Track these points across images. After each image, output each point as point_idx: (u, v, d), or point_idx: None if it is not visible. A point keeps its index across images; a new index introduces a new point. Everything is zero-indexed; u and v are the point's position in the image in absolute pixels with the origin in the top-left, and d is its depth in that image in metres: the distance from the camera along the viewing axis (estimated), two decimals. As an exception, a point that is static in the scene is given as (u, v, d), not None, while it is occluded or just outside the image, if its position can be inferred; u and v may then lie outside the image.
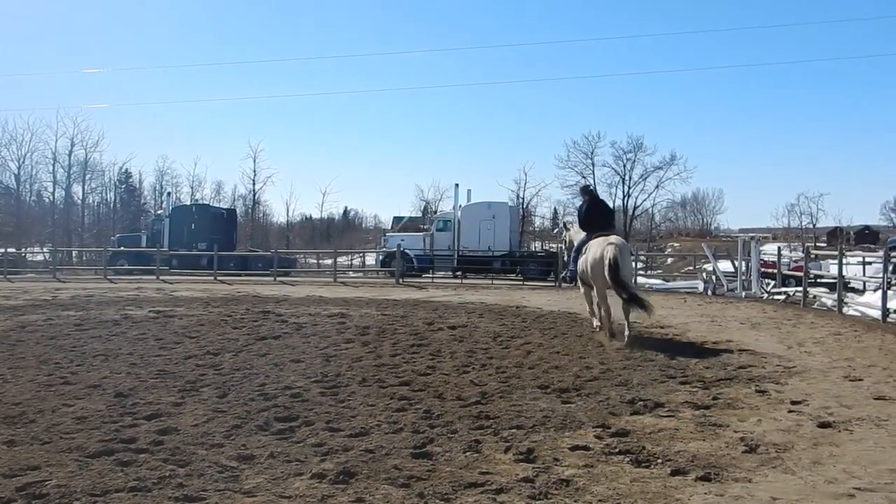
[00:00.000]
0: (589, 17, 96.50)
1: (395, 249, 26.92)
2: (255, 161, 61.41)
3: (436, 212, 51.71)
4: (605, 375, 6.94)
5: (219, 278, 26.09)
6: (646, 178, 59.43)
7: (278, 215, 72.75)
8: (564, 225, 12.93)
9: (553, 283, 24.58)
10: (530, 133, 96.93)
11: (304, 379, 6.69)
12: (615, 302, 9.21)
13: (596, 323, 10.12)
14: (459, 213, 30.28)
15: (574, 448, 4.53)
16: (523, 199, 58.75)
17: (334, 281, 25.45)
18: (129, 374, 6.94)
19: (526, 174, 59.54)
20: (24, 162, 58.17)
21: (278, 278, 25.86)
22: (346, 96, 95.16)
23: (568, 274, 11.17)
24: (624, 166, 59.22)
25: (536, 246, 55.89)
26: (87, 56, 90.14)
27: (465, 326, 10.86)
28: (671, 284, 24.45)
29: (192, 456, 4.27)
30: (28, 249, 51.78)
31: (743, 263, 19.26)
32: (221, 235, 34.47)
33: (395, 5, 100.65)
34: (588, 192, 11.17)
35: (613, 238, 9.50)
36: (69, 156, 57.79)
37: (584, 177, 57.33)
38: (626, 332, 8.99)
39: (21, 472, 3.90)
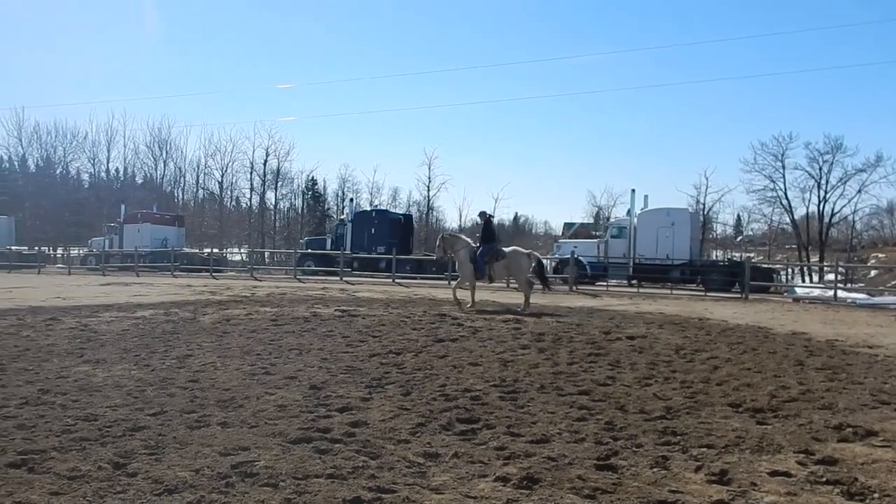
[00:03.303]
0: (777, 10, 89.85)
1: (568, 256, 26.63)
2: (429, 168, 63.46)
3: (608, 218, 50.56)
4: (805, 397, 6.39)
5: (396, 280, 27.20)
6: (846, 182, 53.77)
7: (451, 221, 74.60)
8: (442, 235, 16.91)
9: (739, 295, 23.13)
10: (712, 136, 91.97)
11: (482, 382, 6.76)
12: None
13: (466, 305, 14.75)
14: (636, 219, 29.38)
15: (773, 473, 4.19)
16: (704, 204, 55.69)
17: (507, 286, 25.61)
18: (321, 368, 7.38)
19: (707, 179, 56.30)
20: (226, 171, 64.42)
21: (452, 282, 26.47)
22: (520, 102, 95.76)
23: (479, 273, 15.01)
24: (820, 169, 53.98)
25: (718, 255, 52.80)
26: (279, 71, 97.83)
27: (645, 337, 10.47)
28: (878, 300, 22.07)
29: (382, 449, 4.45)
30: (228, 250, 57.18)
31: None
32: (399, 240, 35.96)
33: (569, 9, 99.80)
34: (486, 216, 16.22)
35: (523, 249, 15.99)
36: (264, 165, 63.15)
37: (773, 181, 53.15)
38: (525, 308, 14.36)
39: (234, 452, 4.26)
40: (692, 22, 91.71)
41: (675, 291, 24.93)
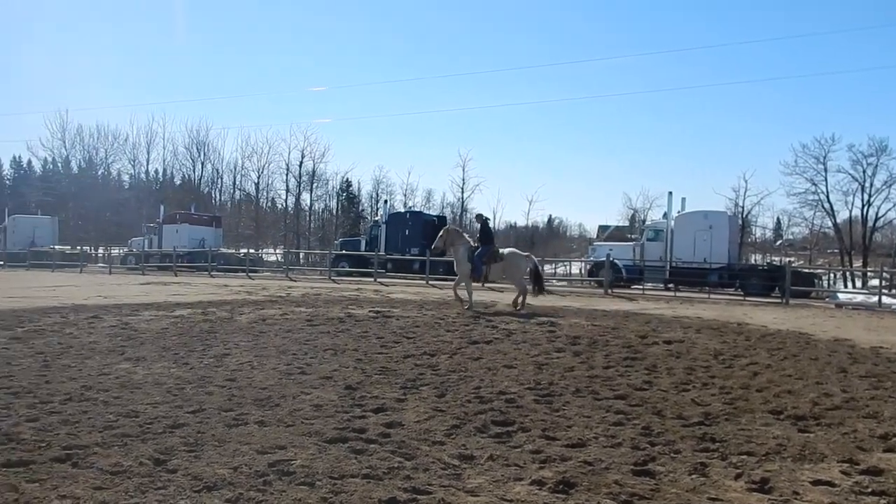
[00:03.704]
0: (819, 9, 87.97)
1: (603, 259, 26.39)
2: (464, 170, 63.54)
3: (644, 221, 50.02)
4: (849, 405, 6.23)
5: (430, 282, 27.23)
6: (891, 185, 52.21)
7: (485, 223, 74.42)
8: (447, 228, 16.61)
9: (779, 300, 22.69)
10: (751, 138, 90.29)
11: (517, 385, 6.73)
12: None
13: (465, 305, 15.01)
14: (673, 222, 28.98)
15: (816, 482, 4.10)
16: (743, 207, 54.71)
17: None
18: (356, 368, 7.42)
19: (746, 181, 55.33)
20: (262, 172, 65.26)
21: (486, 284, 26.41)
22: (554, 104, 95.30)
23: (476, 273, 15.31)
24: (864, 172, 52.47)
25: (758, 259, 51.81)
26: (314, 73, 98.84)
27: (682, 342, 10.32)
28: (923, 307, 21.43)
29: (417, 451, 4.45)
30: (264, 250, 57.90)
31: None
32: (432, 241, 35.98)
33: (601, 11, 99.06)
34: (482, 219, 16.59)
35: (519, 251, 16.37)
36: (299, 166, 63.82)
37: (814, 184, 51.90)
38: (521, 307, 14.87)
39: (271, 450, 4.31)
40: (731, 23, 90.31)
41: (712, 296, 24.55)
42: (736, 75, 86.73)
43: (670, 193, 30.16)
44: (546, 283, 17.44)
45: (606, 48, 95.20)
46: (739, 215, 50.67)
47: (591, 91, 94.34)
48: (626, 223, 62.49)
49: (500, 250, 15.74)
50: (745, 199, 55.10)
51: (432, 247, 17.06)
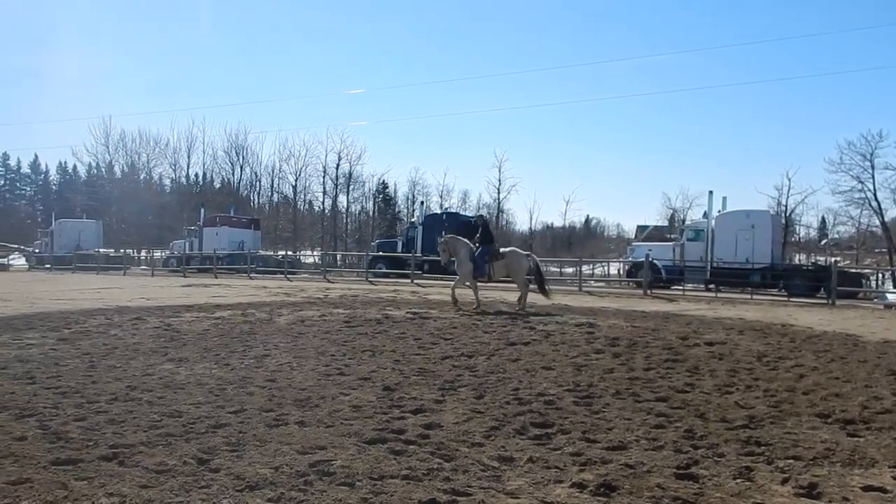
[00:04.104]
0: (863, 4, 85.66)
1: (642, 259, 26.07)
2: (499, 170, 63.48)
3: (684, 220, 49.30)
4: (900, 409, 6.05)
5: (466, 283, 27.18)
6: (942, 182, 50.72)
7: (521, 223, 74.24)
8: (444, 238, 16.50)
9: (825, 301, 22.14)
10: (794, 135, 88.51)
11: (556, 387, 6.67)
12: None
13: (472, 305, 15.12)
14: (713, 222, 28.49)
15: (867, 488, 3.98)
16: (786, 206, 53.58)
17: (579, 290, 25.31)
18: (394, 370, 7.44)
19: (789, 179, 54.19)
20: (300, 175, 65.97)
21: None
22: (591, 104, 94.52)
23: (479, 272, 15.54)
24: (914, 168, 51.13)
25: (802, 258, 50.65)
26: (351, 76, 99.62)
27: (724, 343, 10.13)
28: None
29: (456, 452, 4.44)
30: (302, 252, 58.50)
31: None
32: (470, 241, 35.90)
33: (636, 10, 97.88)
34: (483, 219, 17.14)
35: (519, 250, 17.02)
36: (336, 169, 64.41)
37: (861, 181, 50.48)
38: (522, 307, 15.07)
39: (311, 451, 4.34)
40: (778, 19, 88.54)
41: (755, 296, 24.07)
42: (775, 73, 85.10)
43: (710, 192, 29.69)
44: (549, 283, 17.48)
45: (637, 48, 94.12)
46: (782, 214, 49.66)
47: (627, 90, 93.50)
48: (666, 223, 61.80)
49: (501, 249, 16.04)
50: (788, 197, 53.98)
51: (442, 263, 17.44)
